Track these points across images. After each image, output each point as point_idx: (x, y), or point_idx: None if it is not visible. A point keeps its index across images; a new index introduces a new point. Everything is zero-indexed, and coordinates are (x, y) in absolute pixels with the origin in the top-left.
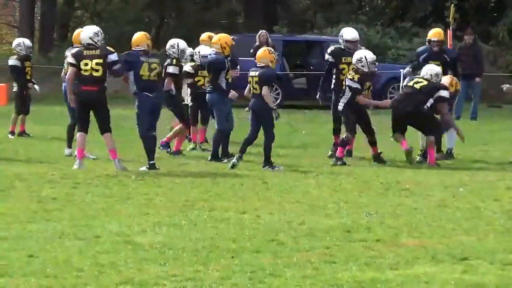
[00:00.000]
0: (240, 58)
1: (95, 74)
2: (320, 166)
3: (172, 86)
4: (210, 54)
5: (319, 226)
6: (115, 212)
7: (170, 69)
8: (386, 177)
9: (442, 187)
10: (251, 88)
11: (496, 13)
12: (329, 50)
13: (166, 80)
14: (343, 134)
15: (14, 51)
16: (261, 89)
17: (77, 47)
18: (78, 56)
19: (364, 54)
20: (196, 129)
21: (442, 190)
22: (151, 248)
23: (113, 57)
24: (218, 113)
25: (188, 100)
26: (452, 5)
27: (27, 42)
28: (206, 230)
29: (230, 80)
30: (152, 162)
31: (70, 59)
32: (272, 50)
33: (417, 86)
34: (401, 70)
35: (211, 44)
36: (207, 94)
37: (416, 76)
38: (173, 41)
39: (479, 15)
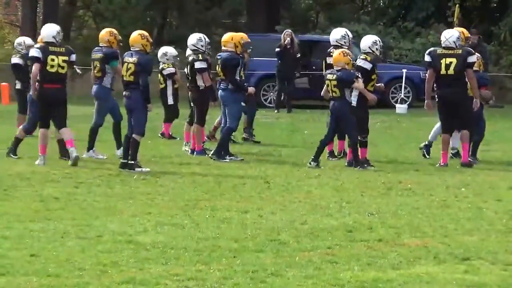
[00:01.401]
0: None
1: (60, 71)
2: (322, 166)
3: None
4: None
5: (321, 225)
6: (117, 211)
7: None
8: (388, 177)
9: (444, 187)
10: (331, 91)
11: (498, 13)
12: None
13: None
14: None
15: (15, 50)
16: (341, 92)
17: (102, 47)
18: (45, 51)
19: (377, 38)
20: (188, 127)
21: (444, 190)
22: (153, 247)
23: (73, 57)
24: (230, 111)
25: (171, 100)
26: (457, 5)
27: (28, 41)
28: (208, 230)
29: (243, 77)
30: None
31: (35, 53)
32: (348, 52)
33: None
34: (403, 70)
35: (222, 43)
36: (220, 92)
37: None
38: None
39: (481, 15)
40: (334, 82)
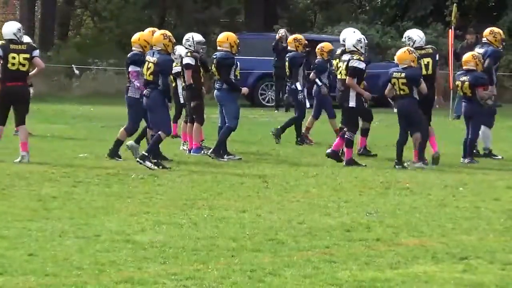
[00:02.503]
0: (240, 57)
1: (22, 69)
2: (321, 165)
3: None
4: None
5: (319, 225)
6: (115, 210)
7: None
8: (386, 176)
9: (442, 186)
10: (398, 90)
11: (496, 13)
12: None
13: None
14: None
15: None
16: (409, 90)
17: (136, 50)
18: (6, 49)
19: (362, 36)
20: (185, 126)
21: (442, 189)
22: (151, 247)
23: (36, 53)
24: (227, 110)
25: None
26: (455, 4)
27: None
28: (206, 229)
29: (238, 77)
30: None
31: None
32: (413, 50)
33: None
34: None
35: (218, 43)
36: (215, 91)
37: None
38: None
39: (479, 14)
40: (403, 80)
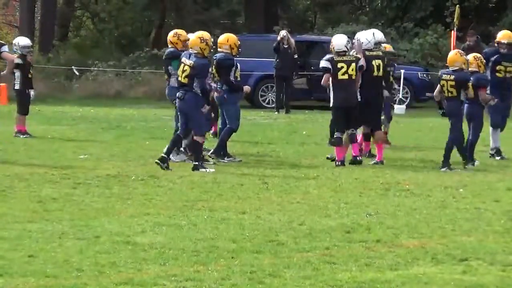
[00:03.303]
0: (240, 59)
1: None
2: (321, 167)
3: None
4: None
5: (319, 226)
6: (115, 212)
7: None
8: (386, 178)
9: (442, 187)
10: (446, 92)
11: (496, 13)
12: None
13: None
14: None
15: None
16: (457, 93)
17: (173, 48)
18: None
19: (347, 37)
20: None
21: (442, 190)
22: (151, 248)
23: (4, 48)
24: (227, 112)
25: None
26: (457, 6)
27: (23, 41)
28: (206, 231)
29: (239, 78)
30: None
31: None
32: (463, 52)
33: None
34: (401, 70)
35: (218, 44)
36: (215, 94)
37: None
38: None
39: (479, 15)
40: (452, 83)
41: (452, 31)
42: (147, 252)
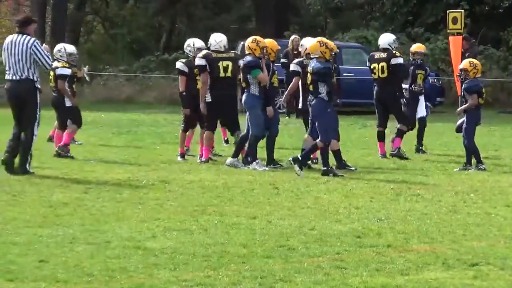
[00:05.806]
0: None
1: None
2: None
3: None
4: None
5: (329, 231)
6: (125, 217)
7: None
8: (396, 183)
9: (452, 192)
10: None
11: (506, 19)
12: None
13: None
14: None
15: None
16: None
17: (251, 54)
18: None
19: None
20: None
21: (453, 195)
22: (162, 253)
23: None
24: (251, 116)
25: None
26: (462, 12)
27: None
28: (217, 235)
29: (275, 84)
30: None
31: None
32: (475, 62)
33: None
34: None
35: (246, 48)
36: (243, 96)
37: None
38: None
39: (489, 20)
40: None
41: (460, 37)
42: (157, 257)
